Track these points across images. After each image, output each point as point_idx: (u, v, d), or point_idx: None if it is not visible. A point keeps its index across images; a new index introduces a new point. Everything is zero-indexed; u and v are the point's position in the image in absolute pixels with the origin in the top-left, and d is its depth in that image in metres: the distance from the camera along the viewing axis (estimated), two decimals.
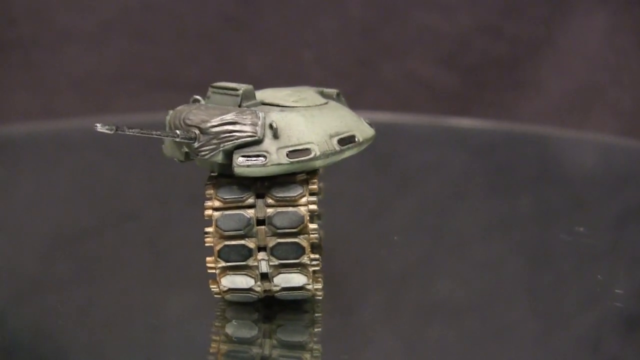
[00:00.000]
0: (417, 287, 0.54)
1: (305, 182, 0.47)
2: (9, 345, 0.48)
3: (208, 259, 0.47)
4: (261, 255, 0.47)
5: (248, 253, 0.47)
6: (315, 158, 0.46)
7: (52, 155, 0.79)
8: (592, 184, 0.72)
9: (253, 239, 0.47)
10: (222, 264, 0.47)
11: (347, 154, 0.48)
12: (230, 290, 0.47)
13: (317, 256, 0.47)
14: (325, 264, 0.50)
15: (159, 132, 0.46)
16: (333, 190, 0.56)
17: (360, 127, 0.49)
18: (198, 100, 0.48)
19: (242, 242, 0.47)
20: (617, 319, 0.51)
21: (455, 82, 1.07)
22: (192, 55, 1.07)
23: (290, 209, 0.46)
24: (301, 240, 0.46)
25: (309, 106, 0.48)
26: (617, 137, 0.95)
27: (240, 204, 0.46)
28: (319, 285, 0.48)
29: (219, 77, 0.51)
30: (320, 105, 0.49)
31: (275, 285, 0.47)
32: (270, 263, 0.47)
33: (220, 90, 0.48)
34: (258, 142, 0.46)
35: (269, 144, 0.46)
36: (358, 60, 1.08)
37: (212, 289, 0.48)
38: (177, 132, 0.46)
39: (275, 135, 0.46)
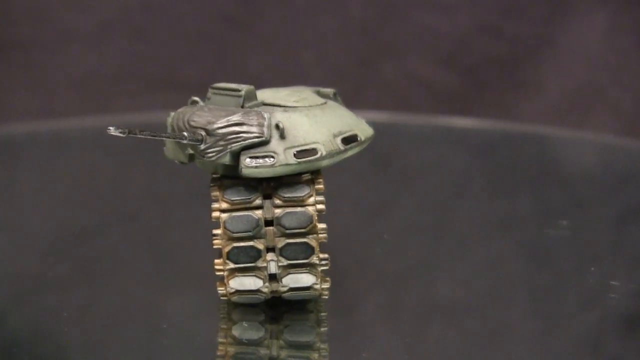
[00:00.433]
0: (417, 287, 0.54)
1: (311, 182, 0.47)
2: (9, 345, 0.48)
3: (217, 261, 0.47)
4: (270, 256, 0.47)
5: (257, 254, 0.46)
6: (321, 158, 0.46)
7: (52, 155, 0.79)
8: (592, 184, 0.72)
9: (262, 240, 0.46)
10: (231, 265, 0.46)
11: (351, 153, 0.48)
12: (238, 291, 0.47)
13: (326, 255, 0.47)
14: None
15: (167, 135, 0.46)
16: (333, 190, 0.56)
17: (361, 126, 0.49)
18: (197, 102, 0.48)
19: (251, 243, 0.46)
20: (617, 319, 0.51)
21: (455, 82, 1.07)
22: (192, 55, 1.07)
23: (299, 209, 0.46)
24: (310, 240, 0.46)
25: (311, 106, 0.48)
26: (617, 137, 0.95)
27: (248, 205, 0.46)
28: (327, 285, 0.47)
29: (219, 77, 0.50)
30: (321, 105, 0.49)
31: (284, 286, 0.47)
32: (279, 264, 0.47)
33: (221, 91, 0.47)
34: (265, 143, 0.46)
35: (276, 144, 0.46)
36: (358, 60, 1.08)
37: (219, 291, 0.47)
38: (185, 134, 0.45)
39: (282, 136, 0.46)
